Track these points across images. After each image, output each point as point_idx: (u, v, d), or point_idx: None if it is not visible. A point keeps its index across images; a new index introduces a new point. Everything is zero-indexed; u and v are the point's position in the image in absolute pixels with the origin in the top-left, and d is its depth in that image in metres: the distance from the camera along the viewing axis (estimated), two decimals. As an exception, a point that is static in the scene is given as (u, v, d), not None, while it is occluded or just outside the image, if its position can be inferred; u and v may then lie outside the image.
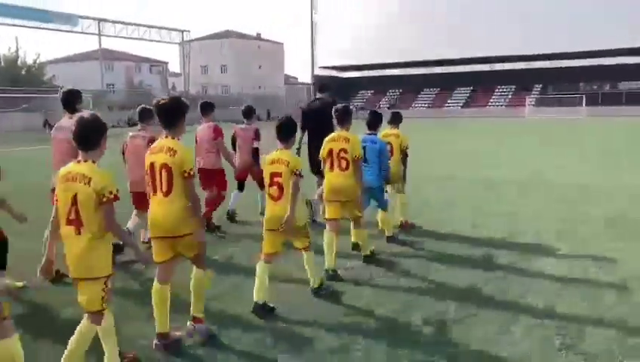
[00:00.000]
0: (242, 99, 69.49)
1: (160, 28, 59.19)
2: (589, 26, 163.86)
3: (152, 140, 5.51)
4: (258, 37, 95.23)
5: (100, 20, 52.85)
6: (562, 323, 4.64)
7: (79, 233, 3.53)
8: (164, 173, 4.14)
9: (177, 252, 4.27)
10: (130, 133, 6.90)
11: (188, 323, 4.47)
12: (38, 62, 56.72)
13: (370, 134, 7.02)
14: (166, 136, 4.27)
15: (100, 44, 54.67)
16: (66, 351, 3.65)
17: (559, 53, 72.66)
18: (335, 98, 8.80)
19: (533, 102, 67.40)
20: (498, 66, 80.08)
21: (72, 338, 3.66)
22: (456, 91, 79.42)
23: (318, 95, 8.76)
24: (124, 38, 56.62)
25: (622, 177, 12.68)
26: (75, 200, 3.51)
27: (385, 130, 7.71)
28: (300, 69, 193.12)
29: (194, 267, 4.41)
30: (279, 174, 4.94)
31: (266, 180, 5.05)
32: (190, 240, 4.21)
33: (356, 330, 4.56)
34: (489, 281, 5.66)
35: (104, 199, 3.48)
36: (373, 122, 7.13)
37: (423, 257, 6.64)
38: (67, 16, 49.95)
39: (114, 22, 54.51)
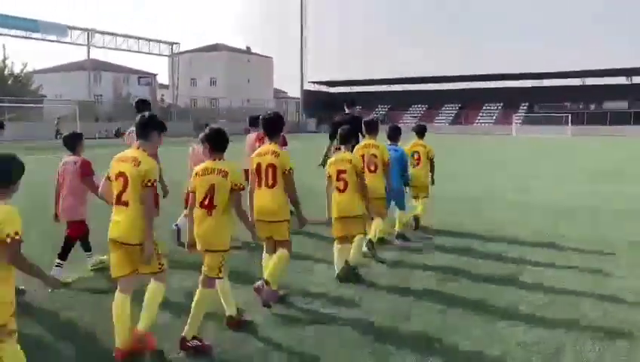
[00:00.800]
0: (231, 112, 69.55)
1: (149, 40, 58.95)
2: (576, 46, 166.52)
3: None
4: (248, 50, 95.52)
5: (89, 31, 52.48)
6: (542, 337, 4.63)
7: (210, 215, 4.47)
8: (270, 171, 5.32)
9: (271, 234, 5.42)
10: (195, 145, 7.57)
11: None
12: (25, 72, 56.32)
13: (391, 145, 8.07)
14: (269, 143, 5.47)
15: (89, 55, 54.21)
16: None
17: (545, 72, 73.66)
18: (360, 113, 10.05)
19: (520, 121, 68.12)
20: (485, 84, 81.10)
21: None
22: (444, 108, 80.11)
23: (347, 110, 9.46)
24: (113, 49, 56.33)
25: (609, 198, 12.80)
26: (212, 189, 4.46)
27: (413, 141, 9.06)
28: (289, 82, 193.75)
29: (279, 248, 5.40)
30: (344, 171, 6.19)
31: (333, 176, 6.26)
32: (281, 226, 5.35)
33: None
34: (473, 292, 5.64)
35: (235, 187, 4.49)
36: (394, 134, 8.30)
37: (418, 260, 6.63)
38: (56, 27, 49.49)
39: (103, 33, 54.10)
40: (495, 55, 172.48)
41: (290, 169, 5.31)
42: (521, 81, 78.86)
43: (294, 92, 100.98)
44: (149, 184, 4.18)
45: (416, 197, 9.04)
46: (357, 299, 5.69)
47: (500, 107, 76.55)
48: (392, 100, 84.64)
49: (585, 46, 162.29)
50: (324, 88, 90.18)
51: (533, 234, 8.71)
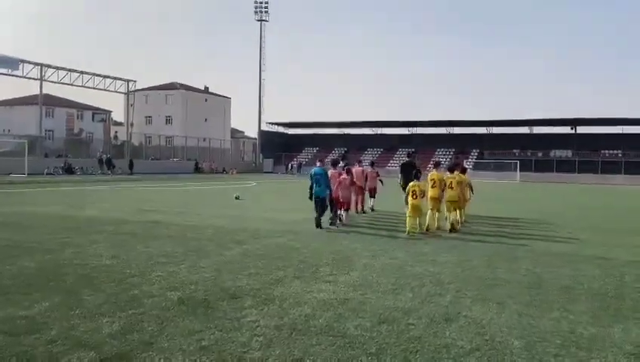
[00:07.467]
0: (187, 151, 68.94)
1: (105, 76, 58.13)
2: (525, 97, 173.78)
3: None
4: (206, 90, 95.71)
5: (42, 65, 51.38)
6: None
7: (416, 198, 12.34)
8: (438, 183, 13.21)
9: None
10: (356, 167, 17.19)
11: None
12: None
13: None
14: (435, 171, 13.72)
15: (41, 90, 52.84)
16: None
17: (496, 120, 76.48)
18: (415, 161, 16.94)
19: (471, 166, 70.10)
20: (438, 130, 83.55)
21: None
22: (398, 151, 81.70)
23: (407, 159, 16.26)
24: (68, 84, 55.10)
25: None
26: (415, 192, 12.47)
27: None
28: (247, 123, 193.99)
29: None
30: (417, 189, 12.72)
31: (410, 191, 12.60)
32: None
33: None
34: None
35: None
36: (458, 169, 15.02)
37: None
38: (7, 60, 48.37)
39: (57, 68, 52.87)
40: (445, 101, 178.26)
41: (443, 182, 13.22)
42: (472, 128, 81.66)
43: (252, 132, 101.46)
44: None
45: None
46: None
47: (452, 152, 78.69)
48: (348, 143, 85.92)
49: (532, 97, 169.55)
50: (281, 129, 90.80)
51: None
